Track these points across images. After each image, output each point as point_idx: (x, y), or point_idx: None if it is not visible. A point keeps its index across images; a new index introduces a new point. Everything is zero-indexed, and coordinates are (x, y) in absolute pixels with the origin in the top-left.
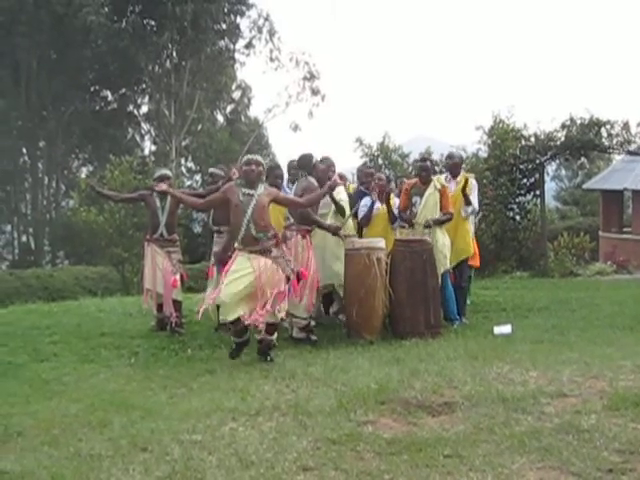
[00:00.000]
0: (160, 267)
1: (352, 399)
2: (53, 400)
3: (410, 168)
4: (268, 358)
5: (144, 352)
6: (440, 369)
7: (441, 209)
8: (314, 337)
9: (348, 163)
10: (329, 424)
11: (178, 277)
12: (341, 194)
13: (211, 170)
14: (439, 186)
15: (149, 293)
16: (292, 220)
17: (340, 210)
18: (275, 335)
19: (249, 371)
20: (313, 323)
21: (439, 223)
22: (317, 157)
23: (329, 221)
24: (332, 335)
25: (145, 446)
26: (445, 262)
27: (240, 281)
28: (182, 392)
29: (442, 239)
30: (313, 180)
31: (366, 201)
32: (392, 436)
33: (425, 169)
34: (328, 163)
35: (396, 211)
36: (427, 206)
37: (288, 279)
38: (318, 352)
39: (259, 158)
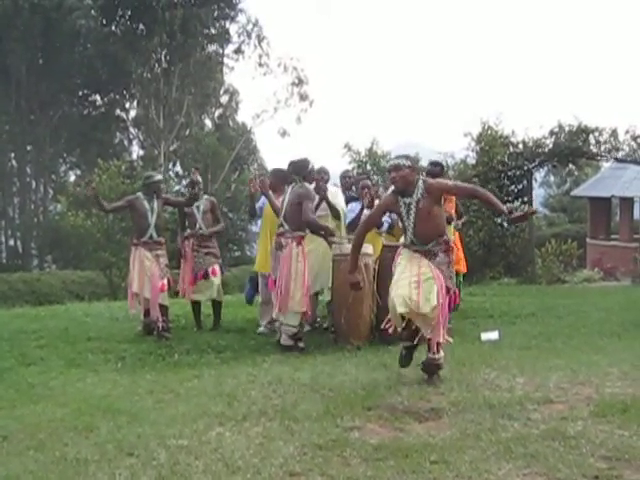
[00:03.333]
0: (148, 272)
1: (339, 405)
2: (39, 404)
3: None
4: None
5: (131, 357)
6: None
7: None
8: (302, 345)
9: (336, 169)
10: (316, 430)
11: (166, 282)
12: (337, 197)
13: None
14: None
15: (136, 297)
16: (286, 227)
17: (335, 214)
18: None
19: (236, 376)
20: (308, 328)
21: None
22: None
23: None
24: (319, 341)
25: (131, 451)
26: None
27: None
28: (169, 397)
29: None
30: (309, 187)
31: (352, 207)
32: (379, 442)
33: (433, 175)
34: (324, 171)
35: (383, 217)
36: None
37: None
38: (305, 357)
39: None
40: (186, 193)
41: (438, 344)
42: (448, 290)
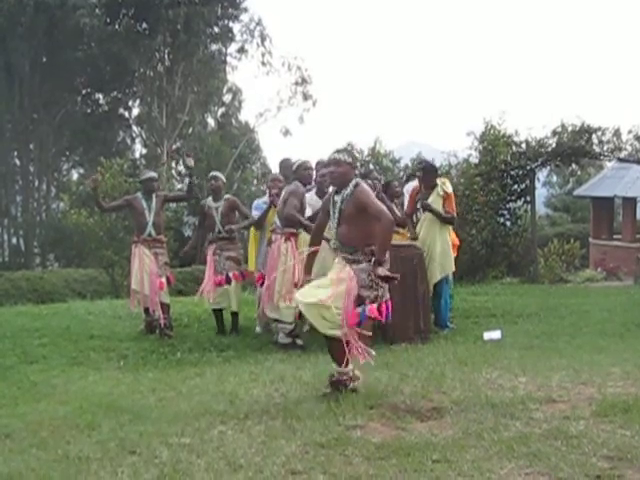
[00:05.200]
0: (147, 269)
1: (341, 403)
2: (41, 402)
3: (401, 173)
4: None
5: (133, 355)
6: (429, 374)
7: (445, 211)
8: (300, 342)
9: None
10: (318, 428)
11: (164, 279)
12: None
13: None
14: (442, 192)
15: (136, 295)
16: (278, 223)
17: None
18: None
19: (238, 374)
20: (307, 328)
21: (437, 215)
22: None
23: None
24: (321, 339)
25: (133, 449)
26: (441, 270)
27: None
28: (171, 395)
29: (441, 246)
30: (299, 184)
31: None
32: (381, 441)
33: (424, 174)
34: (306, 166)
35: None
36: (428, 214)
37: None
38: (307, 356)
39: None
40: (184, 184)
41: (345, 357)
42: (361, 299)
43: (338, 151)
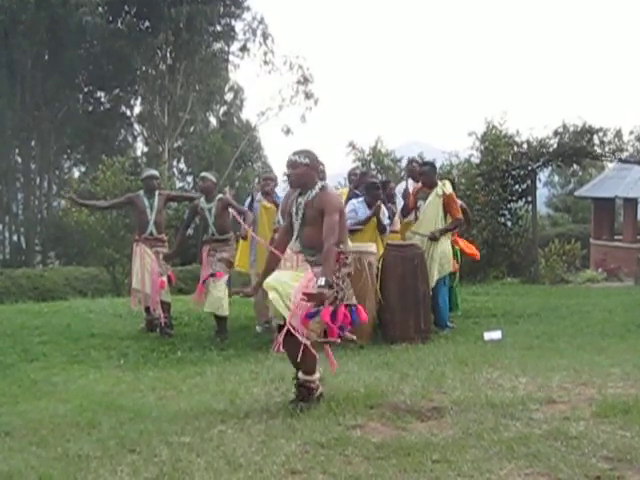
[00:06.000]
0: (148, 268)
1: (341, 403)
2: (42, 400)
3: (402, 173)
4: None
5: (133, 353)
6: (429, 374)
7: (450, 216)
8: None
9: (340, 167)
10: (318, 428)
11: (165, 278)
12: None
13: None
14: (441, 193)
15: (137, 294)
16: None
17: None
18: None
19: (239, 373)
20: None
21: (445, 232)
22: None
23: None
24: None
25: (133, 447)
26: (441, 270)
27: None
28: (171, 394)
29: (442, 246)
30: None
31: (352, 206)
32: (380, 440)
33: (424, 174)
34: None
35: (386, 221)
36: (427, 213)
37: None
38: None
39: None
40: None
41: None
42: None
43: (295, 153)
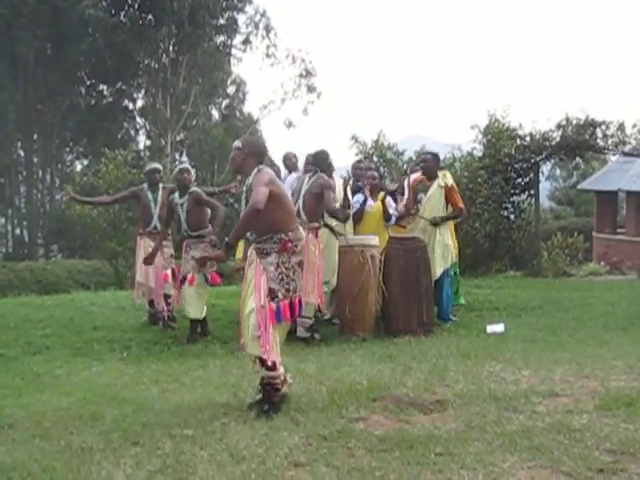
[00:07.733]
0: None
1: (344, 396)
2: (45, 393)
3: (405, 166)
4: None
5: (136, 346)
6: (432, 367)
7: (452, 205)
8: (318, 336)
9: (343, 160)
10: (321, 420)
11: (169, 272)
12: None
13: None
14: (443, 184)
15: (140, 287)
16: (303, 217)
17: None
18: None
19: (241, 366)
20: (328, 315)
21: (447, 220)
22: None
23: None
24: (325, 332)
25: (136, 440)
26: (443, 263)
27: None
28: (174, 387)
29: (444, 239)
30: (327, 177)
31: (358, 197)
32: (383, 433)
33: (425, 165)
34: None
35: (391, 210)
36: (430, 204)
37: None
38: (311, 349)
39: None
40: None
41: (270, 359)
42: (273, 293)
43: (240, 139)
